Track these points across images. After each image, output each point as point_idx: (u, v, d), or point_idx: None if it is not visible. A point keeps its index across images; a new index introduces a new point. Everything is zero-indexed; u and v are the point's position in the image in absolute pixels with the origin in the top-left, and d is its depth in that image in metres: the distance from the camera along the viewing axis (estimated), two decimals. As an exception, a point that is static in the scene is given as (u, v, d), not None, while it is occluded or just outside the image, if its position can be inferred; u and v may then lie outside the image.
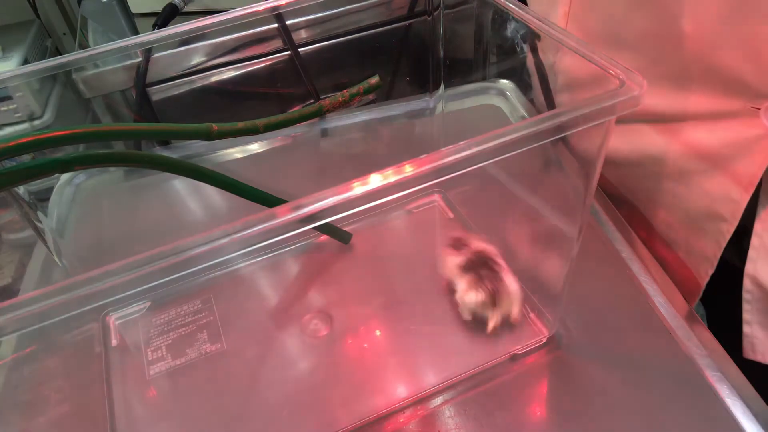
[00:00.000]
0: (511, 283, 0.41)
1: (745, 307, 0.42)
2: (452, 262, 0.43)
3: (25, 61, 1.07)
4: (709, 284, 0.45)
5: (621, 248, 0.47)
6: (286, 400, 0.40)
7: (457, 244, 0.44)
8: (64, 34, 1.31)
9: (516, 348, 0.41)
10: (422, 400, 0.39)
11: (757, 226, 0.40)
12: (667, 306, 0.42)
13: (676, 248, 0.47)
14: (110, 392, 0.41)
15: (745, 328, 0.43)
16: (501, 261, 0.42)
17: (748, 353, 0.43)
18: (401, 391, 0.39)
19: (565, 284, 0.39)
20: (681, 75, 0.41)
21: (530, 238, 0.46)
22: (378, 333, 0.43)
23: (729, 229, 0.42)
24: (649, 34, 0.42)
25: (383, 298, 0.46)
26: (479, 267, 0.41)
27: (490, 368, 0.40)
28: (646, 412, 0.36)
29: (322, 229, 0.49)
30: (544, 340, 0.41)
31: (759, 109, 0.37)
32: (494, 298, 0.40)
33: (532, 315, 0.43)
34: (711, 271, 0.45)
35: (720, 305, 0.43)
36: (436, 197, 0.54)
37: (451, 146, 0.25)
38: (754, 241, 0.40)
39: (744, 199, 0.40)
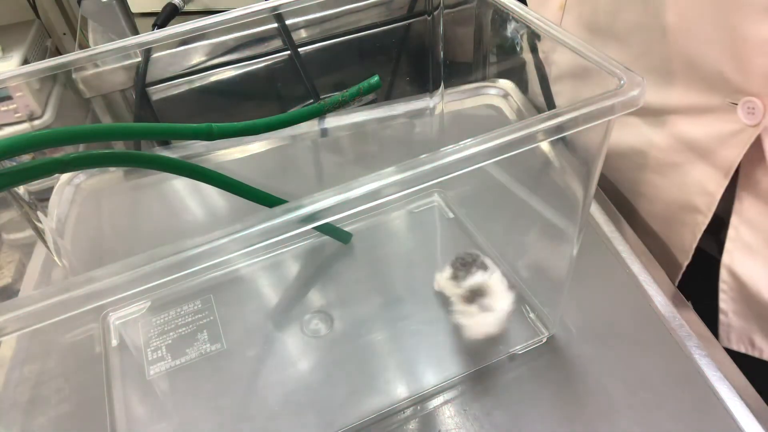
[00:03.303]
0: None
1: (722, 296, 0.43)
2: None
3: (25, 61, 1.07)
4: (693, 275, 0.46)
5: (621, 248, 0.47)
6: (286, 400, 0.40)
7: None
8: (64, 34, 1.31)
9: (516, 348, 0.41)
10: (422, 400, 0.39)
11: (734, 219, 0.41)
12: (667, 306, 0.42)
13: (656, 239, 0.49)
14: (110, 392, 0.41)
15: (722, 317, 0.44)
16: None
17: (724, 342, 0.44)
18: (401, 391, 0.39)
19: (565, 284, 0.39)
20: (665, 69, 0.42)
21: (530, 238, 0.46)
22: (378, 333, 0.43)
23: (704, 221, 0.43)
24: (636, 28, 0.43)
25: (383, 298, 0.46)
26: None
27: (490, 368, 0.40)
28: (646, 412, 0.36)
29: (322, 229, 0.49)
30: (544, 340, 0.41)
31: (736, 104, 0.38)
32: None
33: (532, 315, 0.43)
34: (687, 262, 0.46)
35: (703, 296, 0.44)
36: (436, 197, 0.54)
37: (451, 146, 0.25)
38: (731, 233, 0.42)
39: (718, 192, 0.41)
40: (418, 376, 0.41)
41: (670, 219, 0.47)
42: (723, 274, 0.43)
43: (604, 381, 0.38)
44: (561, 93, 0.45)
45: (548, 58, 0.46)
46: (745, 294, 0.42)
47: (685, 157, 0.43)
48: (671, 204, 0.46)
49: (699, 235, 0.44)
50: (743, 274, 0.42)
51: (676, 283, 0.47)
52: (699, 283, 0.46)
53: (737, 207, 0.41)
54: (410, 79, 0.60)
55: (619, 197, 0.52)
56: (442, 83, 0.51)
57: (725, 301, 0.43)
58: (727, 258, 0.42)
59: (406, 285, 0.47)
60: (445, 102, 0.52)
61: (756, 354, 0.43)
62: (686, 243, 0.45)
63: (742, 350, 0.43)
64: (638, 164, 0.48)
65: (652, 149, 0.46)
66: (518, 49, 0.41)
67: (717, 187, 0.41)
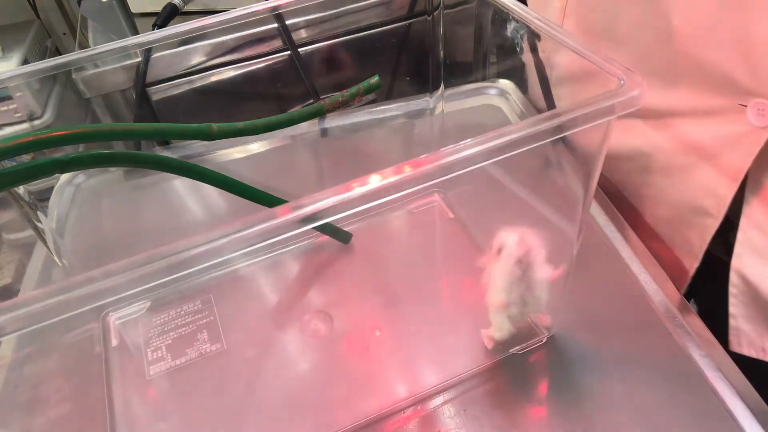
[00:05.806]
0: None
1: (732, 300, 0.43)
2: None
3: (25, 61, 1.07)
4: (700, 278, 0.46)
5: (621, 248, 0.47)
6: (286, 400, 0.40)
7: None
8: (64, 34, 1.31)
9: (516, 348, 0.41)
10: (422, 400, 0.39)
11: (743, 222, 0.41)
12: (667, 306, 0.42)
13: (661, 242, 0.48)
14: (110, 392, 0.41)
15: (731, 321, 0.43)
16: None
17: (734, 346, 0.43)
18: (401, 391, 0.39)
19: (565, 284, 0.39)
20: (671, 71, 0.41)
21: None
22: (378, 333, 0.43)
23: (714, 224, 0.42)
24: (641, 30, 0.43)
25: (383, 298, 0.46)
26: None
27: (490, 368, 0.40)
28: (646, 412, 0.36)
29: (322, 229, 0.49)
30: (544, 340, 0.41)
31: (746, 106, 0.37)
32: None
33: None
34: (696, 265, 0.45)
35: (710, 299, 0.44)
36: (436, 197, 0.54)
37: (451, 146, 0.25)
38: (740, 236, 0.41)
39: (729, 195, 0.41)
40: (418, 376, 0.41)
41: (678, 223, 0.46)
42: (733, 278, 0.42)
43: (604, 381, 0.38)
44: (562, 97, 0.44)
45: (549, 60, 0.46)
46: (755, 298, 0.41)
47: (693, 160, 0.42)
48: (677, 206, 0.45)
49: (708, 239, 0.43)
50: (754, 278, 0.41)
51: (685, 287, 0.46)
52: (707, 286, 0.45)
53: (746, 210, 0.40)
54: (410, 79, 0.61)
55: (622, 200, 0.52)
56: (442, 83, 0.51)
57: (735, 306, 0.42)
58: (736, 262, 0.41)
59: (405, 285, 0.47)
60: (445, 102, 0.52)
61: (767, 359, 0.42)
62: (694, 246, 0.45)
63: (753, 355, 0.42)
64: (642, 166, 0.47)
65: (657, 152, 0.45)
66: (518, 49, 0.41)
67: (727, 190, 0.40)
